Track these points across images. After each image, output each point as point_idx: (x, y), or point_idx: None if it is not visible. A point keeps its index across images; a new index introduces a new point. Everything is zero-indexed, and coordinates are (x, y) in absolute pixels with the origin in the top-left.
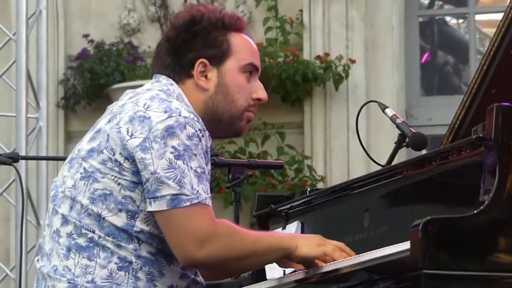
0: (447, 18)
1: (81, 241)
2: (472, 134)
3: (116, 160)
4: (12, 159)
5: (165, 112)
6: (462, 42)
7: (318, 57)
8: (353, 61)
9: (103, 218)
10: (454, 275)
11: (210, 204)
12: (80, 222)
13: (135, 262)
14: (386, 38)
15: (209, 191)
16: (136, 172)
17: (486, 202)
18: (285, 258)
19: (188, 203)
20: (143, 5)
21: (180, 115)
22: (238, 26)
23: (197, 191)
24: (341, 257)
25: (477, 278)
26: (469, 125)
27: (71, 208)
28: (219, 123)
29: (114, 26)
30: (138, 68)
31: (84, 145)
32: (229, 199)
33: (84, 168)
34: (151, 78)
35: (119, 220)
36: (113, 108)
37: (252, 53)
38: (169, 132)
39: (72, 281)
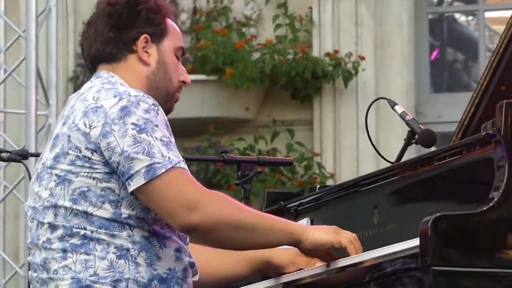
0: (457, 15)
1: (75, 240)
2: (481, 131)
3: (84, 156)
4: (22, 156)
5: (115, 96)
6: (471, 39)
7: (327, 54)
8: (362, 58)
9: (90, 214)
10: (464, 272)
11: (186, 168)
12: (68, 223)
13: (132, 249)
14: (395, 35)
15: (180, 156)
16: (107, 162)
17: (495, 199)
18: (293, 244)
19: (163, 169)
20: None
21: (130, 95)
22: (169, 12)
23: (168, 157)
24: (353, 251)
25: (486, 274)
26: (478, 122)
27: (56, 215)
28: (157, 99)
29: None
30: None
31: (46, 155)
32: (238, 196)
33: (55, 175)
34: (90, 53)
35: (106, 212)
36: (63, 113)
37: (181, 38)
38: (125, 111)
39: (75, 277)
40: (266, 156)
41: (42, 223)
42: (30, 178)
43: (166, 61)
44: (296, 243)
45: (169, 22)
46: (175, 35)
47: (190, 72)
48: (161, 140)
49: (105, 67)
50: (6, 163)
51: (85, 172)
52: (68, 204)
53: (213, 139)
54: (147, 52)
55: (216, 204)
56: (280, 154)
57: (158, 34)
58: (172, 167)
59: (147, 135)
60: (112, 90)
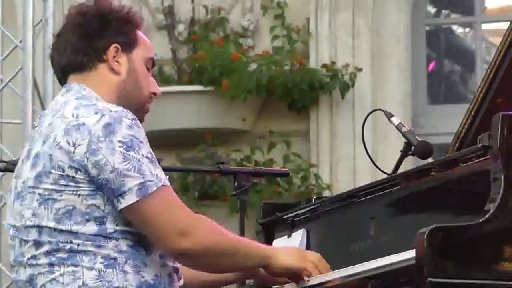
0: (454, 27)
1: (61, 254)
2: (478, 142)
3: (68, 176)
4: None
5: (96, 113)
6: (468, 51)
7: (324, 65)
8: (359, 70)
9: (75, 232)
10: (460, 284)
11: (169, 185)
12: (54, 239)
13: (119, 257)
14: (392, 47)
15: (163, 172)
16: (92, 180)
17: (491, 211)
18: (262, 268)
19: (154, 188)
20: (149, 13)
21: (111, 111)
22: (140, 24)
23: (157, 175)
24: (317, 274)
25: (482, 286)
26: (475, 133)
27: (40, 233)
28: (128, 109)
29: None
30: None
31: (27, 174)
32: (234, 207)
33: (38, 194)
34: (60, 63)
35: (91, 228)
36: (40, 130)
37: (151, 50)
38: (109, 129)
39: None
40: (262, 167)
41: (26, 241)
42: None
43: (137, 71)
44: (265, 266)
45: (139, 33)
46: (145, 46)
47: (187, 82)
48: (147, 157)
49: (75, 77)
50: (2, 173)
51: (70, 190)
52: (51, 224)
53: (210, 150)
54: (117, 62)
55: (205, 230)
56: (277, 165)
57: (128, 44)
58: (162, 185)
59: (135, 153)
60: (91, 107)
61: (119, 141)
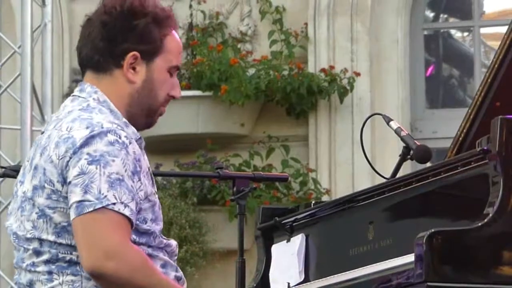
0: (452, 31)
1: (61, 263)
2: (476, 146)
3: (57, 190)
4: (17, 172)
5: (87, 128)
6: (467, 55)
7: (323, 70)
8: (358, 74)
9: (75, 246)
10: None
11: (126, 213)
12: (55, 250)
13: None
14: (391, 51)
15: (128, 199)
16: None
17: (490, 215)
18: None
19: (91, 209)
20: None
21: (102, 128)
22: (172, 24)
23: (105, 196)
24: None
25: None
26: (473, 137)
27: (41, 244)
28: (138, 115)
29: None
30: None
31: (27, 185)
32: (233, 212)
33: (37, 207)
34: (80, 54)
35: None
36: (41, 141)
37: (179, 54)
38: (88, 141)
39: None
40: (261, 172)
41: (27, 249)
42: None
43: (154, 80)
44: None
45: (169, 38)
46: (172, 52)
47: (185, 88)
48: (108, 176)
49: (90, 75)
50: (1, 178)
51: (60, 208)
52: (52, 237)
53: (209, 155)
54: (134, 69)
55: (133, 260)
56: (276, 170)
57: (151, 52)
58: (103, 207)
59: (96, 168)
60: (85, 121)
61: (87, 153)
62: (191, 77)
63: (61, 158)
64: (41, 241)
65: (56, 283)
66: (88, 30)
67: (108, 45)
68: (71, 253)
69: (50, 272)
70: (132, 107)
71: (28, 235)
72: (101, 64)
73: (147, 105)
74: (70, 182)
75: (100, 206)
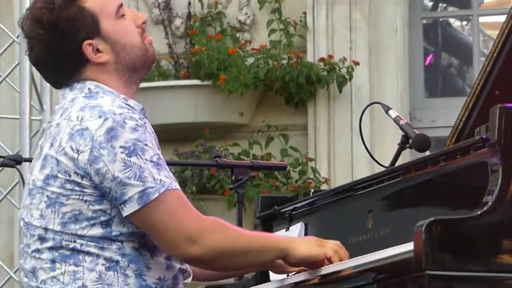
0: (451, 20)
1: (64, 251)
2: (475, 135)
3: (73, 181)
4: (16, 161)
5: (100, 117)
6: (466, 44)
7: (321, 59)
8: (356, 63)
9: (80, 235)
10: (458, 276)
11: (178, 187)
12: (59, 236)
13: (121, 261)
14: (389, 40)
15: (171, 174)
16: (96, 187)
17: (489, 203)
18: (281, 259)
19: (156, 194)
20: (146, 7)
21: (115, 114)
22: None
23: (160, 179)
24: (337, 261)
25: (480, 279)
26: (472, 126)
27: (46, 232)
28: (137, 69)
29: None
30: None
31: (37, 174)
32: (232, 201)
33: (47, 196)
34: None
35: (96, 231)
36: (50, 130)
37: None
38: (111, 134)
39: None
40: (260, 161)
41: (33, 235)
42: (24, 183)
43: (117, 40)
44: (283, 257)
45: (86, 5)
46: (104, 5)
47: (184, 77)
48: (151, 161)
49: (72, 92)
50: (0, 168)
51: (76, 195)
52: (57, 228)
53: (208, 144)
54: (98, 50)
55: (216, 233)
56: (275, 159)
57: (91, 27)
58: (166, 190)
59: (137, 158)
60: (96, 109)
61: (121, 147)
62: (189, 66)
63: (80, 152)
64: (46, 231)
65: (58, 272)
66: (35, 54)
67: (60, 58)
68: (74, 241)
69: (53, 261)
70: (125, 75)
71: (35, 223)
72: (72, 74)
73: (135, 58)
74: (117, 178)
75: (163, 189)
